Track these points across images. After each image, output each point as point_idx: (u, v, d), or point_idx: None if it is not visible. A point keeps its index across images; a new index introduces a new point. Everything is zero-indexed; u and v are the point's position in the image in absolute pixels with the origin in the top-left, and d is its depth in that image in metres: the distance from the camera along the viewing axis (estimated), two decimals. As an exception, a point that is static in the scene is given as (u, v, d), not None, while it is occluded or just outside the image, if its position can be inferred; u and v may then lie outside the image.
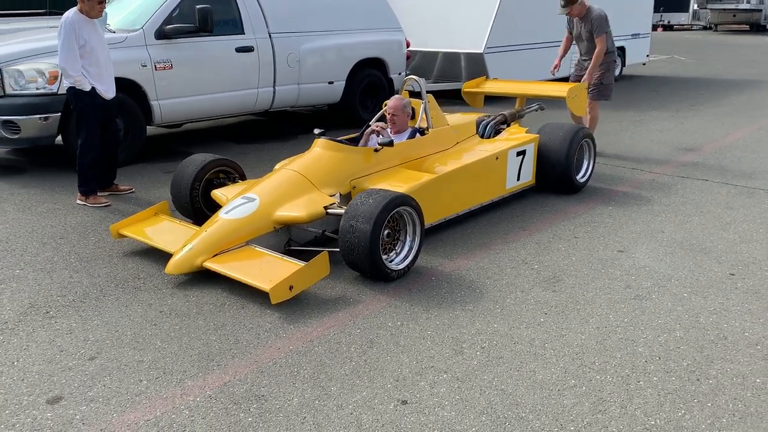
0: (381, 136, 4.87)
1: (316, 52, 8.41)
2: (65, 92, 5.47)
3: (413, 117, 5.25)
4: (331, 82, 8.63)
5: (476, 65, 11.21)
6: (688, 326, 3.43)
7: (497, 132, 5.88)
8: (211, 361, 3.08)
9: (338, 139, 4.78)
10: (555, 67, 7.16)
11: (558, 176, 5.63)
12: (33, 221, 5.08)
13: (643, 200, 5.64)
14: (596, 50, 6.76)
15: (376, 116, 5.39)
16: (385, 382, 2.91)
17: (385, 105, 5.19)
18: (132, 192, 5.86)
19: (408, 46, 9.85)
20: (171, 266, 3.88)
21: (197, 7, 6.92)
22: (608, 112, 10.16)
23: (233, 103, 7.74)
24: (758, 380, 2.93)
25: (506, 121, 6.12)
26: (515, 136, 5.66)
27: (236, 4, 7.65)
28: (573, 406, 2.73)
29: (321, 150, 4.63)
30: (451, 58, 11.67)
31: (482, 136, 5.73)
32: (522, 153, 5.45)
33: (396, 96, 5.22)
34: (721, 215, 5.25)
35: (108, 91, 5.42)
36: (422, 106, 5.22)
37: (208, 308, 3.61)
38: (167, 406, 2.73)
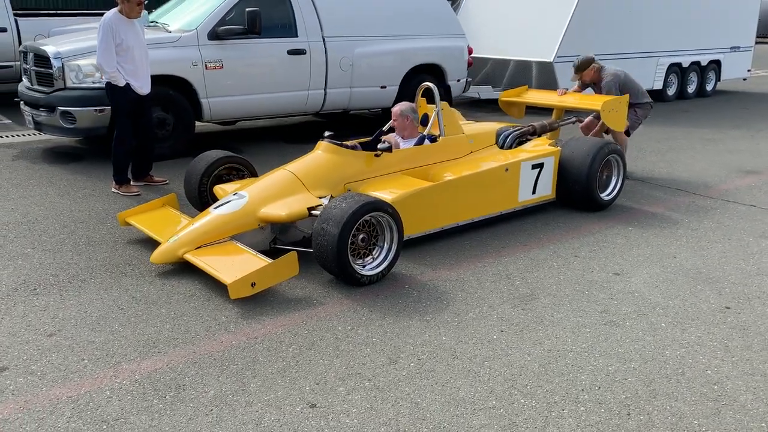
0: (386, 142, 4.88)
1: (370, 57, 8.50)
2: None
3: (425, 124, 5.22)
4: (383, 87, 8.70)
5: (546, 74, 10.96)
6: (648, 358, 3.24)
7: (521, 143, 5.74)
8: (154, 348, 3.22)
9: (343, 143, 4.83)
10: (563, 92, 6.75)
11: (579, 192, 5.43)
12: (65, 205, 5.46)
13: (670, 222, 5.34)
14: None
15: (388, 123, 5.40)
16: (305, 384, 2.94)
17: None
18: (166, 184, 6.17)
19: (470, 53, 9.74)
20: (155, 255, 4.07)
21: (246, 9, 7.19)
22: (681, 129, 9.68)
23: (283, 103, 7.96)
24: (695, 422, 2.73)
25: (535, 133, 5.96)
26: (536, 148, 5.51)
27: (292, 8, 7.87)
28: (480, 428, 2.66)
29: (321, 152, 4.70)
30: (522, 66, 11.48)
31: (502, 147, 5.61)
32: (539, 166, 5.30)
33: (401, 102, 5.22)
34: (749, 244, 4.89)
35: (143, 87, 5.73)
36: (434, 112, 5.19)
37: (176, 298, 3.77)
38: (93, 385, 2.89)
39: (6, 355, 3.12)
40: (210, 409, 2.74)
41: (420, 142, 5.06)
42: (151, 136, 6.04)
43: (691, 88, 13.66)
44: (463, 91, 9.94)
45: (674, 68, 12.98)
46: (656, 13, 12.14)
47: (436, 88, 5.22)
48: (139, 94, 5.71)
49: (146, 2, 5.69)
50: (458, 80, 9.55)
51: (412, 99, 8.88)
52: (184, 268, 4.13)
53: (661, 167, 7.28)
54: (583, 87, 6.74)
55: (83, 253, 4.42)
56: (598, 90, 6.59)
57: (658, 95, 12.79)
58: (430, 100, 5.33)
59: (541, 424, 2.69)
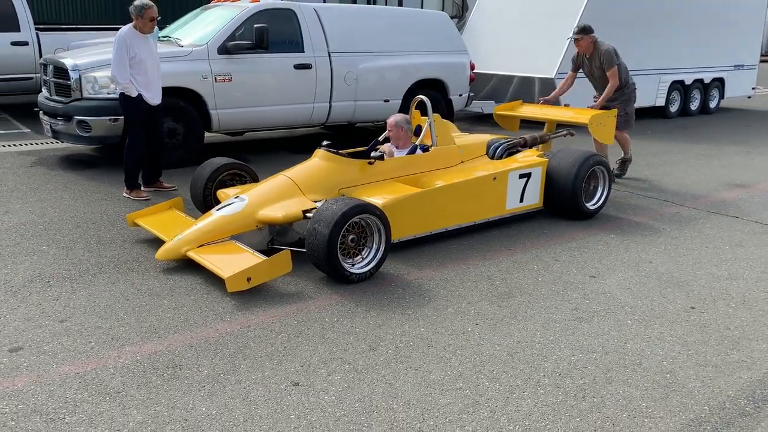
0: (379, 150, 5.18)
1: (374, 72, 8.84)
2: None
3: (418, 134, 5.53)
4: (387, 101, 9.03)
5: (548, 90, 11.23)
6: (609, 350, 3.50)
7: (511, 154, 6.02)
8: (155, 333, 3.53)
9: (339, 151, 5.13)
10: (545, 101, 7.14)
11: (565, 201, 5.69)
12: (79, 207, 5.80)
13: (652, 231, 5.59)
14: (609, 84, 6.77)
15: (384, 133, 5.70)
16: (290, 366, 3.23)
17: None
18: (174, 189, 6.51)
19: (473, 68, 10.06)
20: (160, 253, 4.39)
21: (255, 26, 7.56)
22: (678, 145, 9.92)
23: (289, 115, 8.31)
24: (643, 404, 2.99)
25: (526, 145, 6.24)
26: (524, 159, 5.79)
27: (299, 25, 8.23)
28: (446, 405, 2.93)
29: (318, 159, 5.01)
30: (526, 82, 11.77)
31: (492, 157, 5.89)
32: (526, 176, 5.57)
33: (395, 114, 5.54)
34: (724, 252, 5.13)
35: (154, 98, 6.09)
36: (426, 124, 5.49)
37: (177, 291, 4.08)
38: (99, 364, 3.20)
39: (21, 337, 3.44)
40: (203, 386, 3.03)
41: (412, 151, 5.37)
42: (161, 144, 6.39)
43: (694, 105, 13.85)
44: (466, 106, 10.25)
45: (676, 85, 13.19)
46: (658, 31, 12.39)
47: (428, 101, 5.52)
48: (150, 105, 6.06)
49: (159, 19, 6.05)
50: (460, 95, 9.87)
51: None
52: (186, 266, 4.44)
53: (653, 180, 7.53)
54: (575, 66, 7.02)
55: (94, 251, 4.75)
56: (596, 61, 6.89)
57: (660, 112, 13.04)
58: (425, 112, 5.64)
59: (502, 403, 2.96)
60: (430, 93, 9.44)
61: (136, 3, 5.89)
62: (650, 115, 12.81)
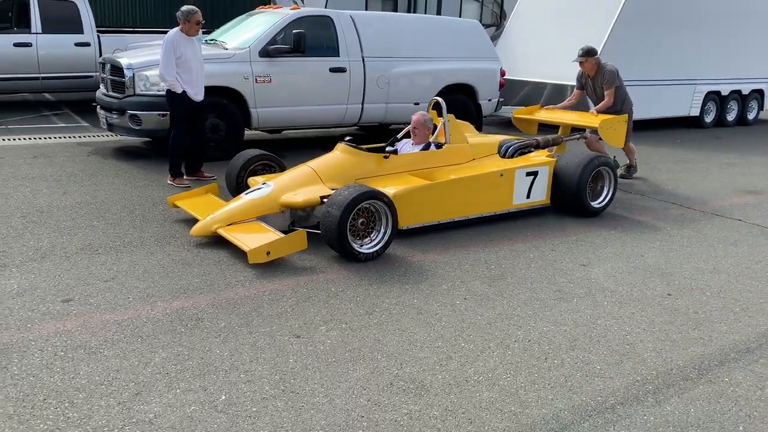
0: (393, 146, 5.68)
1: (405, 76, 9.35)
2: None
3: (434, 132, 6.00)
4: (417, 103, 9.49)
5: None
6: (580, 324, 3.91)
7: (523, 155, 6.43)
8: (184, 293, 4.10)
9: (359, 146, 5.64)
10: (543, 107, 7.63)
11: (570, 199, 6.08)
12: (127, 191, 6.47)
13: (652, 229, 5.94)
14: (604, 101, 7.17)
15: (403, 131, 6.20)
16: (295, 323, 3.75)
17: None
18: (214, 179, 7.12)
19: (503, 74, 10.47)
20: (194, 230, 4.98)
21: (293, 31, 8.16)
22: (704, 153, 10.13)
23: (324, 115, 8.88)
24: (598, 367, 3.41)
25: (538, 146, 6.64)
26: (533, 158, 6.20)
27: (336, 31, 8.80)
28: (423, 358, 3.40)
29: (339, 152, 5.54)
30: (559, 89, 12.07)
31: (503, 156, 6.32)
32: (533, 174, 5.99)
33: (420, 112, 6.02)
34: (716, 250, 5.45)
35: (197, 95, 6.72)
36: (441, 123, 5.97)
37: (207, 262, 4.65)
38: (134, 314, 3.78)
39: (72, 291, 4.05)
40: (219, 334, 3.58)
41: (426, 147, 5.85)
42: (203, 138, 7.01)
43: (731, 116, 13.87)
44: (495, 110, 10.65)
45: (712, 96, 13.26)
46: (695, 40, 12.47)
47: (444, 102, 6.00)
48: (194, 101, 6.69)
49: (203, 22, 6.68)
50: (489, 100, 10.29)
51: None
52: (216, 242, 5.01)
53: (668, 184, 7.82)
54: (580, 85, 7.43)
55: (137, 227, 5.37)
56: (599, 80, 7.31)
57: (694, 122, 13.15)
58: (441, 113, 6.11)
59: (472, 359, 3.42)
60: (460, 97, 9.95)
61: (183, 8, 6.54)
62: (684, 125, 12.96)
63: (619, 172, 7.98)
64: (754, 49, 13.62)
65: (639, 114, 11.92)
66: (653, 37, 11.94)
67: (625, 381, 3.28)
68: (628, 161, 7.99)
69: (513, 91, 12.33)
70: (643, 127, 12.06)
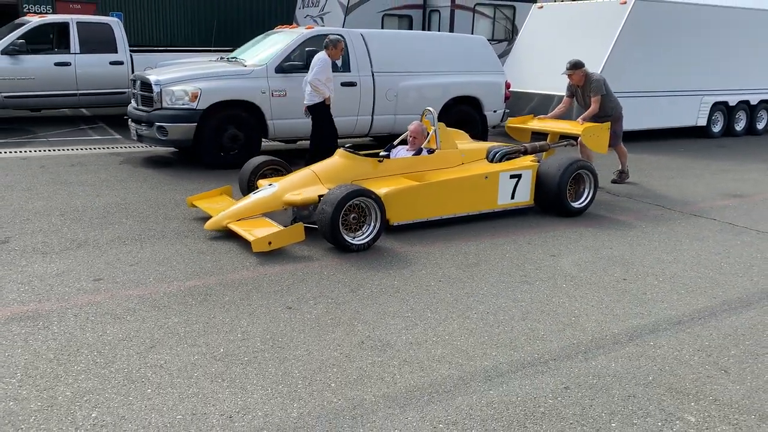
0: (388, 152, 6.32)
1: (413, 89, 10.01)
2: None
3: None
4: (423, 115, 10.13)
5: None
6: (535, 301, 4.49)
7: (510, 160, 7.02)
8: (196, 276, 4.78)
9: (357, 152, 6.30)
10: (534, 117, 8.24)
11: (551, 200, 6.65)
12: (153, 194, 7.21)
13: (628, 227, 6.46)
14: (590, 108, 7.72)
15: (399, 137, 6.84)
16: (288, 298, 4.40)
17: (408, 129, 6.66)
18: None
19: (508, 87, 11.07)
20: (208, 224, 5.68)
21: (306, 49, 8.88)
22: (703, 161, 10.53)
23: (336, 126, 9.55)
24: (542, 333, 3.98)
25: (526, 152, 7.22)
26: (517, 162, 6.79)
27: (347, 49, 9.50)
28: (392, 324, 4.02)
29: (338, 157, 6.21)
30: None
31: (491, 161, 6.92)
32: (517, 176, 6.57)
33: (416, 122, 6.66)
34: (682, 244, 5.96)
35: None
36: (432, 130, 6.60)
37: (218, 251, 5.34)
38: (153, 291, 4.46)
39: (102, 272, 4.76)
40: (223, 305, 4.25)
41: (418, 153, 6.48)
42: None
43: (740, 126, 14.13)
44: (501, 122, 11.23)
45: (719, 106, 13.56)
46: (701, 52, 12.81)
47: (435, 111, 6.63)
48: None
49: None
50: (494, 111, 10.89)
51: (449, 126, 10.33)
52: (228, 236, 5.69)
53: (658, 189, 8.32)
54: (570, 93, 8.00)
55: (160, 223, 6.09)
56: (586, 89, 7.88)
57: (702, 131, 13.49)
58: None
59: (434, 325, 4.03)
60: (465, 108, 10.57)
61: (331, 38, 7.80)
62: (692, 135, 13.31)
63: (611, 177, 8.53)
64: (763, 59, 13.94)
65: (643, 124, 12.45)
66: (657, 49, 12.35)
67: (563, 344, 3.85)
68: (620, 166, 8.49)
69: (522, 102, 12.88)
70: (648, 137, 12.52)
